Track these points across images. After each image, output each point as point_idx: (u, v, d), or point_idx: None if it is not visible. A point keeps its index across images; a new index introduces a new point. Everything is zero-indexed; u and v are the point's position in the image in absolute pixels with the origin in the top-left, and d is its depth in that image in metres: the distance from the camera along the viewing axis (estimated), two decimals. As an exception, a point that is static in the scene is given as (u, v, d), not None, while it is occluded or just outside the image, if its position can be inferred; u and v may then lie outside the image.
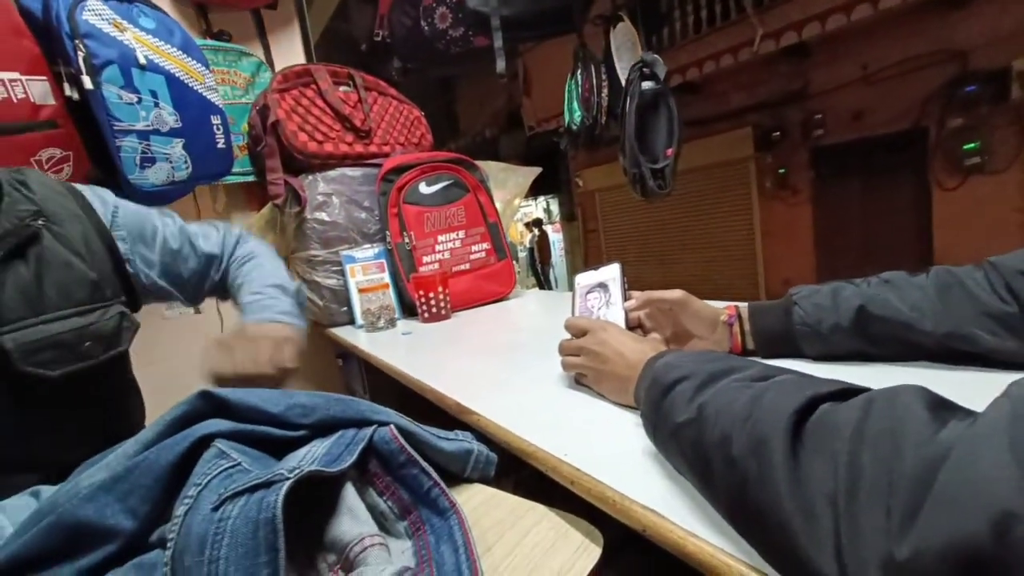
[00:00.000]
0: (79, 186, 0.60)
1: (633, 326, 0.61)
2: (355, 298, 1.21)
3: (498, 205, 1.41)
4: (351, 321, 1.25)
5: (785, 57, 3.84)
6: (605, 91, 1.22)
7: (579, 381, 0.56)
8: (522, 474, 0.51)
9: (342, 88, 1.34)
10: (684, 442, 0.31)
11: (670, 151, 1.11)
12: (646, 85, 1.08)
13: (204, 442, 0.36)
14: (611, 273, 0.65)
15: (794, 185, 4.21)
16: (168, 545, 0.30)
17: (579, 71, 1.26)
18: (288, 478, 0.30)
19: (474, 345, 0.90)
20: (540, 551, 0.35)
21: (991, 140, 3.23)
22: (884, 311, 0.47)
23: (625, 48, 1.19)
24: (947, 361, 0.46)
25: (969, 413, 0.20)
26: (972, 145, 3.28)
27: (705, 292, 0.62)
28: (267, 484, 0.29)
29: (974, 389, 0.42)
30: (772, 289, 4.36)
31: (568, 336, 0.57)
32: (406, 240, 1.23)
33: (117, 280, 0.59)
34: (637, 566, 0.44)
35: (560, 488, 0.41)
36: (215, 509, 0.29)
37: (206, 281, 0.73)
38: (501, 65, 1.15)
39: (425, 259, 1.24)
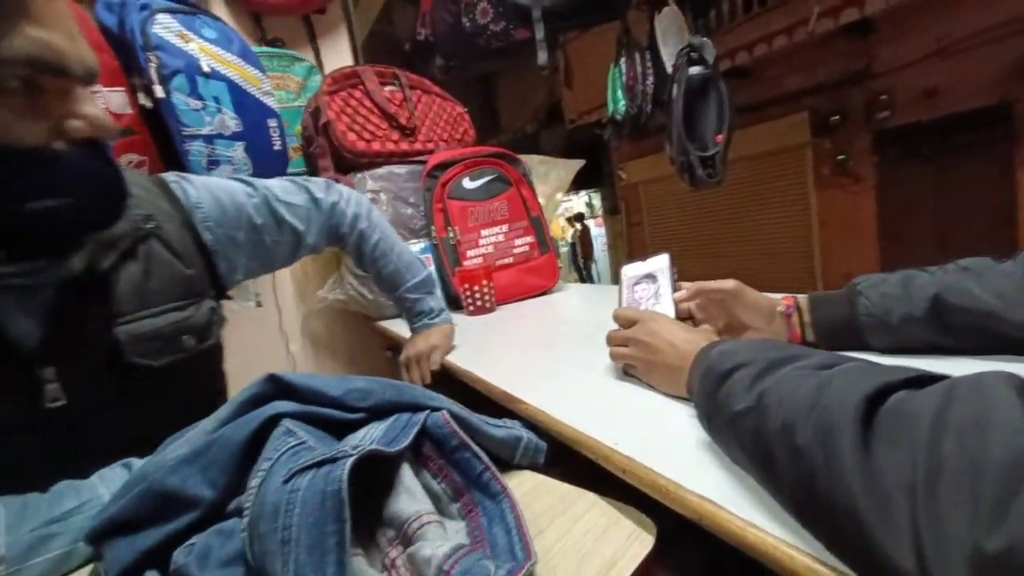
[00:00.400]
0: (167, 176, 0.63)
1: (683, 317, 0.59)
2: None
3: (540, 199, 1.41)
4: (400, 314, 1.28)
5: (845, 35, 3.60)
6: (650, 79, 1.19)
7: (627, 372, 0.56)
8: (569, 465, 0.51)
9: (388, 88, 1.38)
10: (742, 431, 0.30)
11: (720, 137, 1.07)
12: (694, 70, 1.05)
13: (273, 421, 0.38)
14: (660, 263, 0.63)
15: (855, 172, 3.94)
16: (244, 513, 0.32)
17: (623, 59, 1.24)
18: (351, 454, 0.31)
19: (519, 337, 0.91)
20: (592, 537, 0.35)
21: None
22: (963, 300, 0.44)
23: (671, 33, 1.15)
24: (979, 352, 0.42)
25: None
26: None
27: (757, 287, 0.60)
28: (332, 460, 0.31)
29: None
30: (831, 283, 4.11)
31: (616, 327, 0.56)
32: (451, 235, 1.25)
33: (207, 274, 0.62)
34: (691, 558, 0.43)
35: (609, 480, 0.41)
36: (286, 481, 0.31)
37: (298, 250, 0.75)
38: (543, 57, 1.15)
39: (469, 253, 1.26)
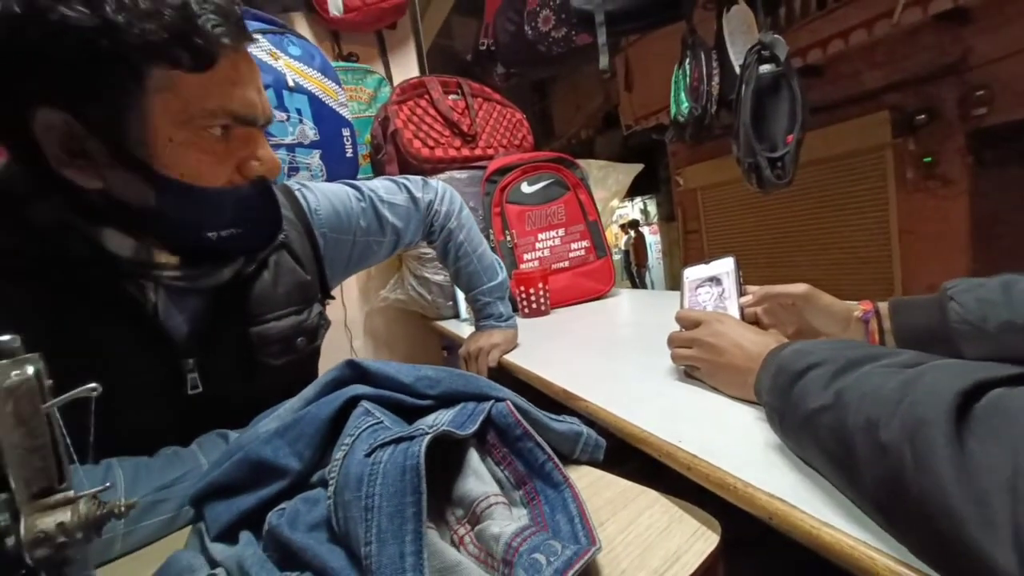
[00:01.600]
0: (291, 184, 0.68)
1: (750, 322, 0.58)
2: (460, 293, 1.28)
3: (598, 204, 1.41)
4: (456, 315, 1.33)
5: (935, 25, 3.31)
6: (716, 79, 1.16)
7: (689, 374, 0.55)
8: (628, 467, 0.51)
9: (451, 96, 1.43)
10: (819, 429, 0.29)
11: (791, 138, 1.02)
12: (764, 68, 1.01)
13: (353, 402, 0.41)
14: (725, 267, 0.62)
15: (944, 175, 3.60)
16: (330, 483, 0.35)
17: (687, 60, 1.21)
18: (428, 433, 0.33)
19: (576, 339, 0.91)
20: (655, 532, 0.36)
21: None
22: None
23: (739, 32, 1.12)
24: None
25: None
26: None
27: (845, 297, 0.57)
28: (410, 437, 0.33)
29: None
30: (912, 295, 3.76)
31: (678, 329, 0.56)
32: (508, 238, 1.27)
33: (319, 278, 0.66)
34: (759, 564, 0.42)
35: (670, 481, 0.41)
36: (368, 455, 0.33)
37: (396, 247, 0.79)
38: (604, 61, 1.15)
39: (526, 256, 1.28)
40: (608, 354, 0.76)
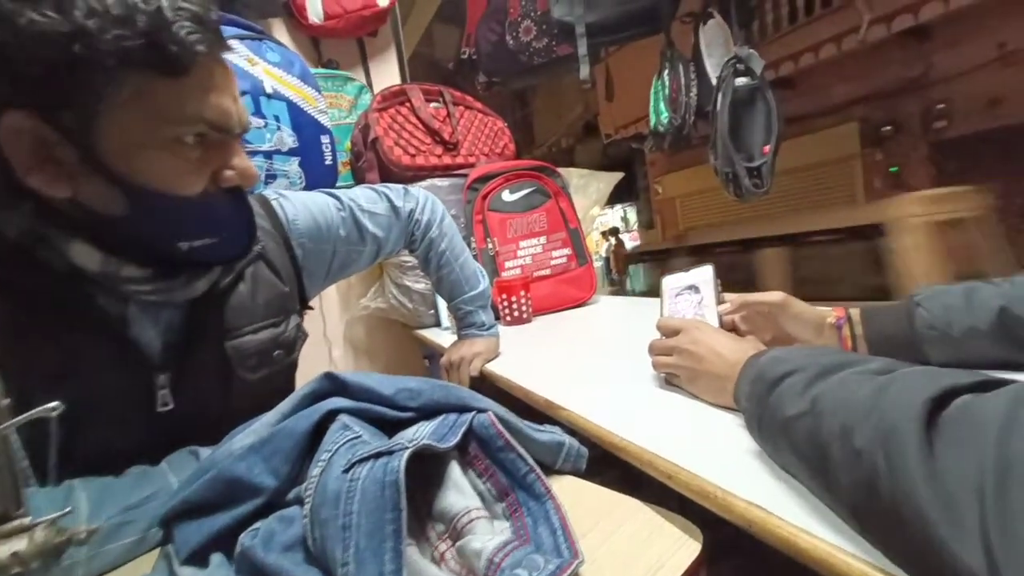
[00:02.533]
0: (268, 193, 0.66)
1: (727, 330, 0.59)
2: (442, 302, 1.28)
3: (578, 212, 1.42)
4: (438, 323, 1.32)
5: (899, 42, 3.45)
6: (694, 90, 1.19)
7: (670, 382, 0.55)
8: (609, 475, 0.51)
9: (433, 104, 1.43)
10: (796, 436, 0.30)
11: (767, 148, 1.05)
12: (740, 81, 1.04)
13: (331, 416, 0.40)
14: (703, 275, 0.63)
15: (909, 184, 3.74)
16: (306, 501, 0.34)
17: (666, 71, 1.24)
18: (407, 447, 0.33)
19: (558, 347, 0.91)
20: (636, 542, 0.36)
21: None
22: None
23: (716, 45, 1.15)
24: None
25: None
26: None
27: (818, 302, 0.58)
28: (389, 452, 0.33)
29: None
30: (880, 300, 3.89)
31: (658, 336, 0.56)
32: (490, 246, 1.27)
33: (297, 289, 0.65)
34: (741, 569, 0.42)
35: (651, 491, 0.41)
36: (346, 471, 0.33)
37: (377, 256, 0.78)
38: (585, 72, 1.17)
39: (508, 264, 1.28)
40: (589, 361, 0.76)
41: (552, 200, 1.35)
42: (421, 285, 1.32)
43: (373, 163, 1.34)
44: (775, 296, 0.55)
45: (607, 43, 1.39)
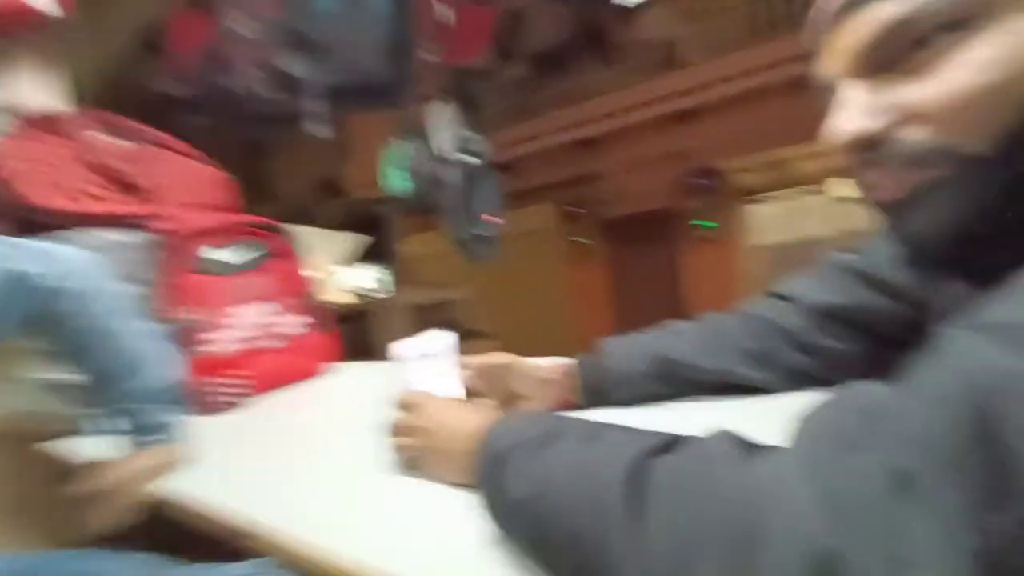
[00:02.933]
0: None
1: (470, 396, 0.59)
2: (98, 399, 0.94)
3: (314, 273, 1.30)
4: (84, 432, 0.95)
5: (577, 146, 4.62)
6: (430, 163, 1.27)
7: (413, 466, 0.51)
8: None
9: (115, 140, 1.12)
10: (523, 519, 0.29)
11: (492, 218, 1.19)
12: (469, 159, 1.16)
13: None
14: (441, 341, 0.63)
15: (591, 253, 4.96)
16: None
17: (407, 143, 1.29)
18: None
19: (278, 437, 0.77)
20: None
21: (713, 219, 4.34)
22: (674, 355, 0.55)
23: (444, 125, 1.27)
24: (722, 393, 0.54)
25: (771, 449, 0.22)
26: (703, 222, 4.35)
27: (531, 352, 0.65)
28: None
29: (748, 415, 0.51)
30: (585, 344, 4.87)
31: (398, 414, 0.52)
32: (190, 316, 1.02)
33: None
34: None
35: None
36: None
37: None
38: (323, 130, 1.11)
39: (216, 337, 1.04)
40: (317, 451, 0.65)
41: (280, 260, 1.19)
42: (59, 377, 0.94)
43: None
44: (502, 357, 0.58)
45: (345, 107, 1.37)
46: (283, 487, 0.54)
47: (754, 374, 0.52)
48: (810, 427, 0.21)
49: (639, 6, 3.11)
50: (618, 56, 3.95)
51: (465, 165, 1.12)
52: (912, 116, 0.27)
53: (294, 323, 1.17)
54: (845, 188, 4.04)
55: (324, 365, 1.18)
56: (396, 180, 1.32)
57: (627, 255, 4.87)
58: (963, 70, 0.25)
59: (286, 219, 1.32)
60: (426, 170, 1.25)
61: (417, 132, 1.26)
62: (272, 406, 0.96)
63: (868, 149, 0.29)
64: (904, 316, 0.46)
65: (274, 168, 6.65)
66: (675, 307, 4.42)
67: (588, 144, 4.57)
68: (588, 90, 4.12)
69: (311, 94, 1.11)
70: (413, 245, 5.81)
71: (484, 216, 1.17)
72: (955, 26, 0.25)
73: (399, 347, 0.64)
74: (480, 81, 4.01)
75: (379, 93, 1.18)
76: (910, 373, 0.20)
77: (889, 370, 0.51)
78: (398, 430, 0.50)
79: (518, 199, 4.93)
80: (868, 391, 0.21)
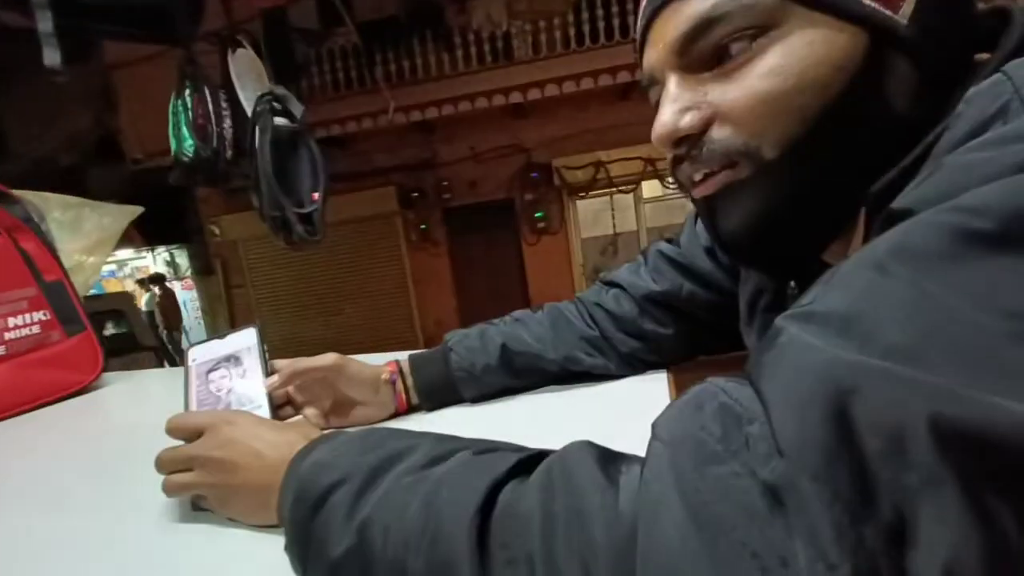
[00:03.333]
0: None
1: (281, 403, 0.48)
2: None
3: (68, 257, 0.98)
4: None
5: (416, 129, 4.46)
6: (228, 122, 1.03)
7: (198, 507, 0.39)
8: None
9: None
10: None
11: (316, 195, 1.03)
12: (280, 121, 0.98)
13: None
14: (245, 340, 0.51)
15: (434, 239, 4.89)
16: None
17: (187, 91, 1.03)
18: None
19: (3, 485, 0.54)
20: None
21: (548, 210, 4.67)
22: (520, 346, 0.53)
23: (248, 77, 1.05)
24: (567, 381, 0.54)
25: (632, 460, 0.20)
26: (540, 214, 4.65)
27: (369, 342, 0.56)
28: None
29: (590, 400, 0.51)
30: (427, 330, 4.83)
31: (173, 443, 0.39)
32: None
33: None
34: None
35: None
36: None
37: None
38: (52, 56, 0.79)
39: None
40: (61, 500, 0.47)
41: (2, 239, 0.86)
42: None
43: None
44: (327, 359, 0.49)
45: (101, 33, 1.03)
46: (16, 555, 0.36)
47: (594, 360, 0.52)
48: (668, 435, 0.19)
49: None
50: (455, 42, 3.92)
51: (275, 127, 0.94)
52: (721, 116, 0.28)
53: (32, 323, 0.86)
54: (653, 190, 4.74)
55: (91, 375, 0.89)
56: (181, 140, 1.05)
57: (471, 243, 4.93)
58: (756, 76, 0.27)
59: (34, 185, 0.96)
60: (220, 129, 1.02)
61: (205, 80, 1.00)
62: (10, 437, 0.68)
63: (683, 145, 0.30)
64: (717, 302, 0.51)
65: (10, 112, 5.01)
66: (516, 295, 4.65)
67: (427, 127, 4.44)
68: (426, 72, 4.00)
69: (34, 4, 0.78)
70: (230, 226, 4.98)
71: (305, 190, 1.00)
72: (756, 34, 0.26)
73: (190, 350, 0.51)
74: (304, 40, 3.57)
75: (149, 21, 0.89)
76: (755, 369, 0.20)
77: (705, 351, 0.57)
78: (174, 464, 0.37)
79: (354, 180, 4.58)
80: (721, 391, 0.19)
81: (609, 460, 0.20)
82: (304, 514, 0.25)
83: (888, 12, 0.25)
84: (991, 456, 0.13)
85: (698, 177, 0.31)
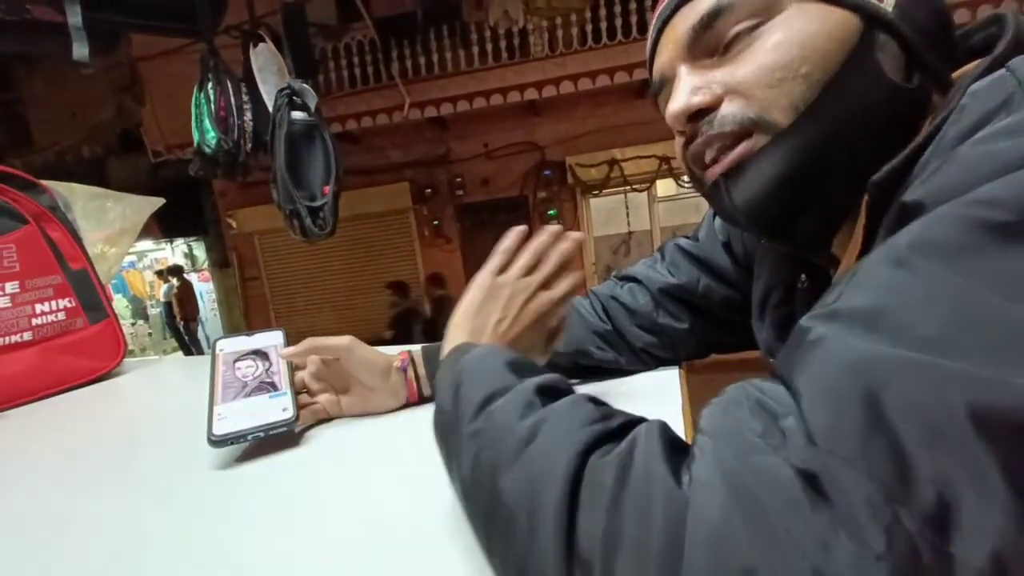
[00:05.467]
0: None
1: (300, 390, 0.50)
2: None
3: (93, 247, 1.01)
4: None
5: (430, 126, 4.47)
6: (249, 115, 1.05)
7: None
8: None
9: None
10: (468, 453, 0.26)
11: (327, 188, 1.04)
12: (296, 115, 0.99)
13: None
14: (272, 339, 0.54)
15: (446, 234, 4.91)
16: None
17: (209, 84, 1.05)
18: None
19: (25, 466, 0.56)
20: None
21: (561, 208, 4.66)
22: None
23: (269, 71, 1.06)
24: (577, 375, 0.54)
25: (689, 455, 0.20)
26: (553, 211, 4.64)
27: (383, 337, 0.57)
28: None
29: (602, 394, 0.51)
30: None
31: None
32: None
33: None
34: None
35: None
36: None
37: None
38: (81, 50, 0.82)
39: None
40: (86, 481, 0.49)
41: (31, 227, 0.88)
42: None
43: None
44: (342, 340, 0.50)
45: (124, 26, 1.06)
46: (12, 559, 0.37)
47: (605, 354, 0.52)
48: (711, 428, 0.20)
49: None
50: (471, 39, 3.92)
51: (291, 121, 0.95)
52: (731, 92, 0.31)
53: (57, 310, 0.89)
54: (668, 188, 4.70)
55: (112, 362, 0.92)
56: (204, 131, 1.07)
57: (483, 240, 4.94)
58: (763, 52, 0.30)
59: (57, 176, 0.99)
60: (241, 122, 1.03)
61: (228, 73, 1.02)
62: (34, 421, 0.70)
63: (697, 120, 0.32)
64: (732, 298, 0.50)
65: (33, 106, 5.13)
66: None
67: (441, 124, 4.45)
68: (442, 68, 4.00)
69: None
70: (247, 218, 5.05)
71: (317, 183, 1.01)
72: (759, 23, 0.30)
73: (219, 342, 0.53)
74: (322, 35, 3.60)
75: (172, 14, 0.91)
76: (784, 367, 0.20)
77: (718, 348, 0.57)
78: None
79: (368, 175, 4.62)
80: (756, 389, 0.20)
81: (678, 446, 0.21)
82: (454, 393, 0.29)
83: (875, 0, 0.28)
84: None
85: (713, 155, 0.32)
